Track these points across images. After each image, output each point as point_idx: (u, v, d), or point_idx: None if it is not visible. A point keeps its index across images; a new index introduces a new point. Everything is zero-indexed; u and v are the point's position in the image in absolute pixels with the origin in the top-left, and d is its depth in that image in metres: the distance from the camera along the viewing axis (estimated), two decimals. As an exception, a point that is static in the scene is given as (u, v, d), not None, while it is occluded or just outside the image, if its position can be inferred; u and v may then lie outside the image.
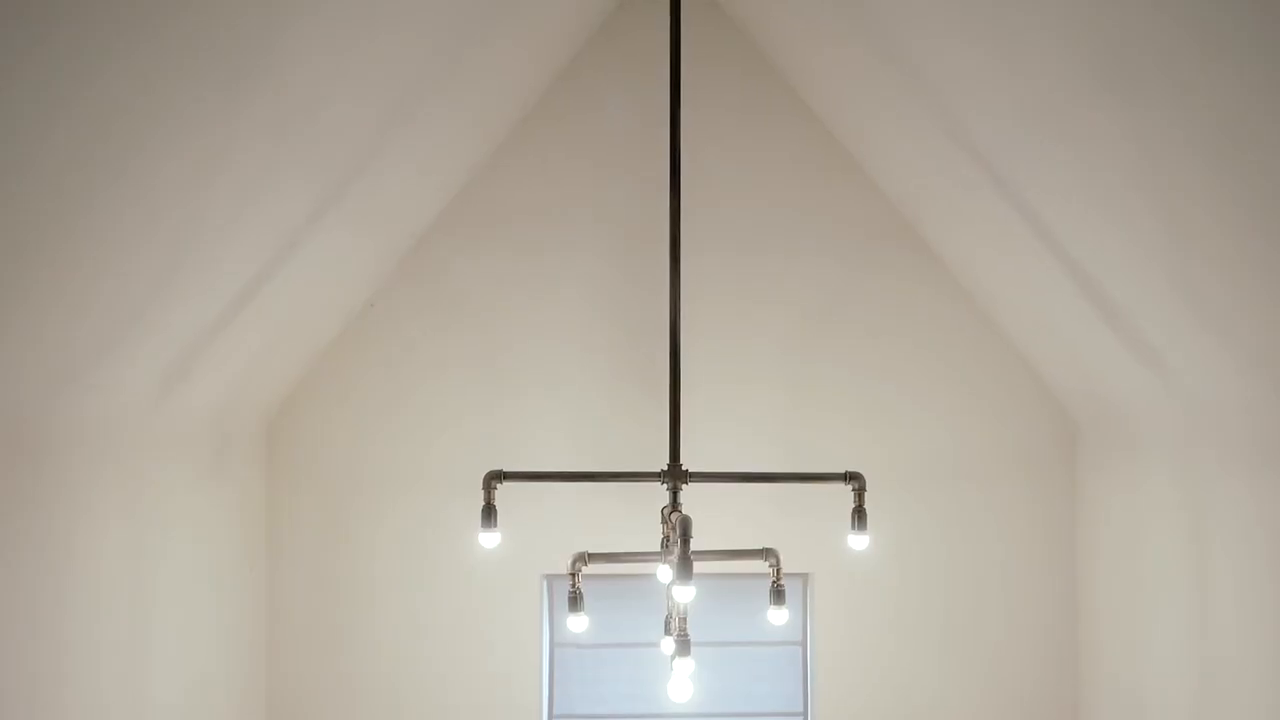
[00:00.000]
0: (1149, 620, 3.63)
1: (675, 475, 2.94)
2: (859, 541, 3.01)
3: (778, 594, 2.98)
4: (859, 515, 2.97)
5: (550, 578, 4.23)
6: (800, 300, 4.23)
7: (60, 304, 2.32)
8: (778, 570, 2.98)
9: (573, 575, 2.96)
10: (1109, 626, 3.92)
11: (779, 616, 3.01)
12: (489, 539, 2.99)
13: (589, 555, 2.96)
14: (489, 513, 2.96)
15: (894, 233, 4.21)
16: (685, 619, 2.81)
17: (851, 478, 2.97)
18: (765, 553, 2.98)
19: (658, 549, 3.08)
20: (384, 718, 4.12)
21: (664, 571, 3.02)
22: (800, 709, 4.26)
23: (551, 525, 4.10)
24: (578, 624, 3.01)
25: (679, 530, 2.56)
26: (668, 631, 3.09)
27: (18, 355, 2.32)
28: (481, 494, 2.99)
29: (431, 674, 4.15)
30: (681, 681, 2.91)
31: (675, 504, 2.92)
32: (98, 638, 2.86)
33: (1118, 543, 3.86)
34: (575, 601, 2.95)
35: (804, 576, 4.23)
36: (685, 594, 2.59)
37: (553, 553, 4.07)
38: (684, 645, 2.79)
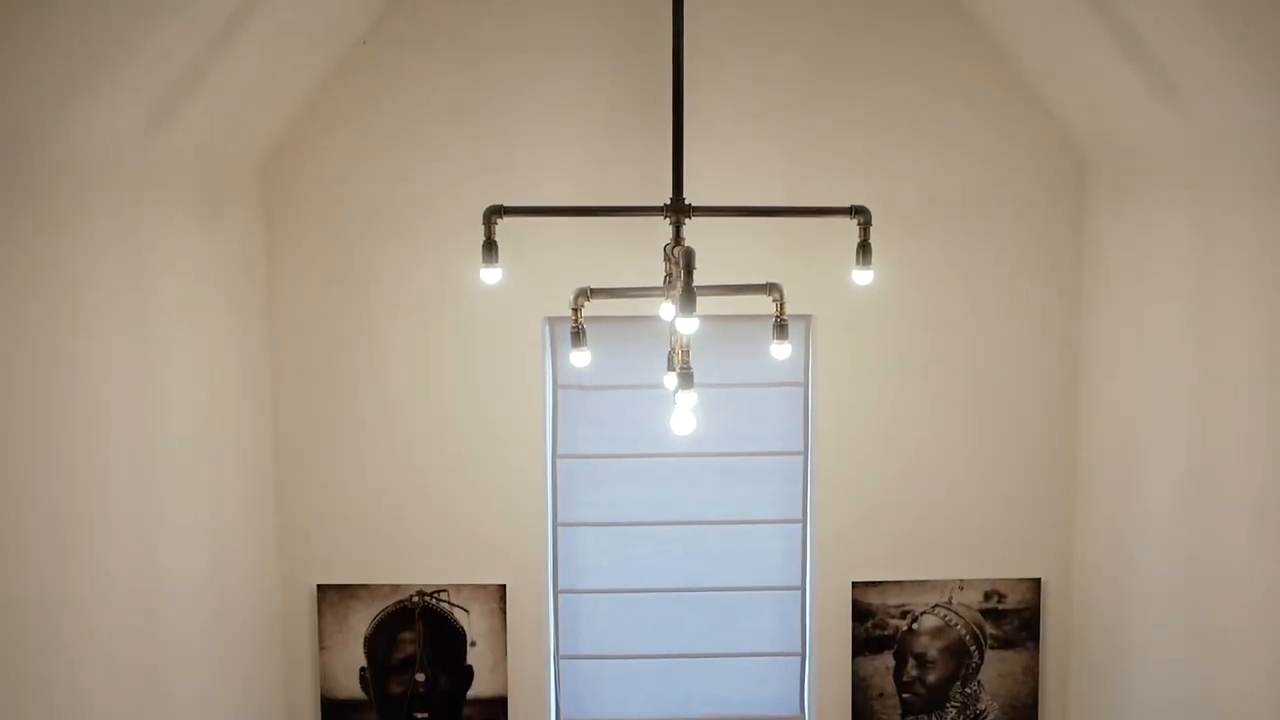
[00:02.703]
0: (1150, 357, 3.73)
1: (678, 209, 2.97)
2: (863, 277, 3.07)
3: (781, 329, 3.06)
4: (864, 250, 3.02)
5: (552, 320, 4.33)
6: (807, 36, 4.16)
7: (47, 27, 2.30)
8: (781, 305, 3.05)
9: (575, 311, 3.03)
10: (1110, 364, 4.04)
11: (782, 351, 3.10)
12: (490, 275, 3.06)
13: (591, 291, 3.03)
14: (490, 248, 3.01)
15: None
16: (688, 353, 2.89)
17: (857, 212, 3.00)
18: (769, 287, 3.04)
19: (661, 285, 3.14)
20: (388, 460, 4.30)
21: (667, 309, 3.09)
22: (801, 448, 4.44)
23: (553, 267, 4.17)
24: (580, 359, 3.11)
25: (682, 261, 2.62)
26: (671, 367, 3.18)
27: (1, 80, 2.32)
28: (482, 230, 3.04)
29: (434, 415, 4.30)
30: (684, 415, 3.03)
31: (678, 239, 2.97)
32: (100, 370, 2.96)
33: (1122, 280, 3.93)
34: (578, 336, 3.04)
35: (807, 318, 4.33)
36: (688, 326, 2.67)
37: (555, 294, 4.14)
38: (687, 379, 2.89)
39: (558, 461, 4.42)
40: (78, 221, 2.82)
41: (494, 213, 3.00)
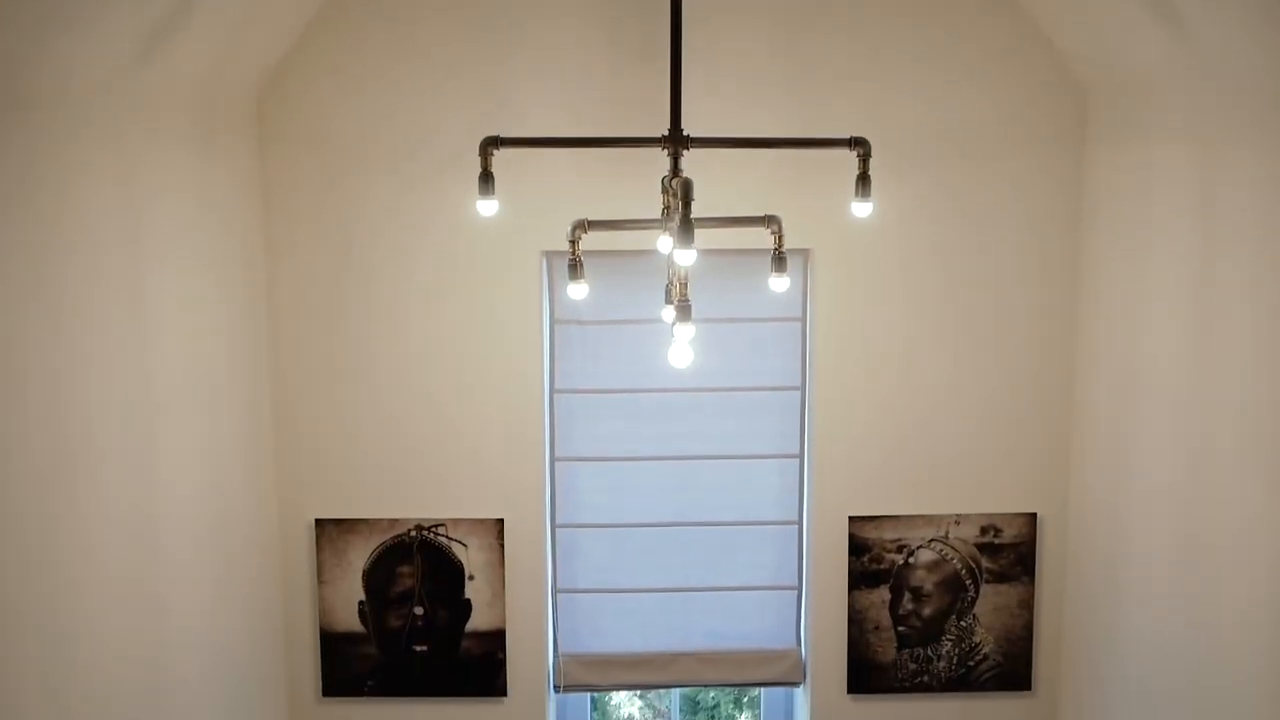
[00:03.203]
0: (1150, 291, 3.74)
1: (676, 140, 2.96)
2: (862, 209, 3.06)
3: (779, 261, 3.06)
4: (863, 182, 3.02)
5: (550, 254, 4.33)
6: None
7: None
8: (779, 237, 3.05)
9: (573, 244, 3.04)
10: (1109, 299, 4.05)
11: (780, 284, 3.11)
12: (487, 207, 3.06)
13: (589, 223, 3.04)
14: (486, 179, 3.00)
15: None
16: (686, 285, 2.90)
17: (856, 143, 2.99)
18: (767, 220, 3.04)
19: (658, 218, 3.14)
20: (385, 395, 4.32)
21: (664, 242, 3.09)
22: (798, 383, 4.46)
23: (550, 201, 4.16)
24: (578, 291, 3.12)
25: (680, 192, 2.62)
26: (669, 300, 3.20)
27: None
28: (479, 162, 3.03)
29: (431, 350, 4.30)
30: (682, 348, 3.05)
31: (676, 170, 2.97)
32: (96, 301, 2.97)
33: (1123, 213, 3.92)
34: (575, 269, 3.04)
35: (805, 252, 4.33)
36: (687, 257, 2.67)
37: (552, 229, 4.13)
38: (685, 311, 2.90)
39: (555, 397, 4.43)
40: (72, 150, 2.82)
41: (490, 144, 2.99)
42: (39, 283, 2.68)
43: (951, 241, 4.28)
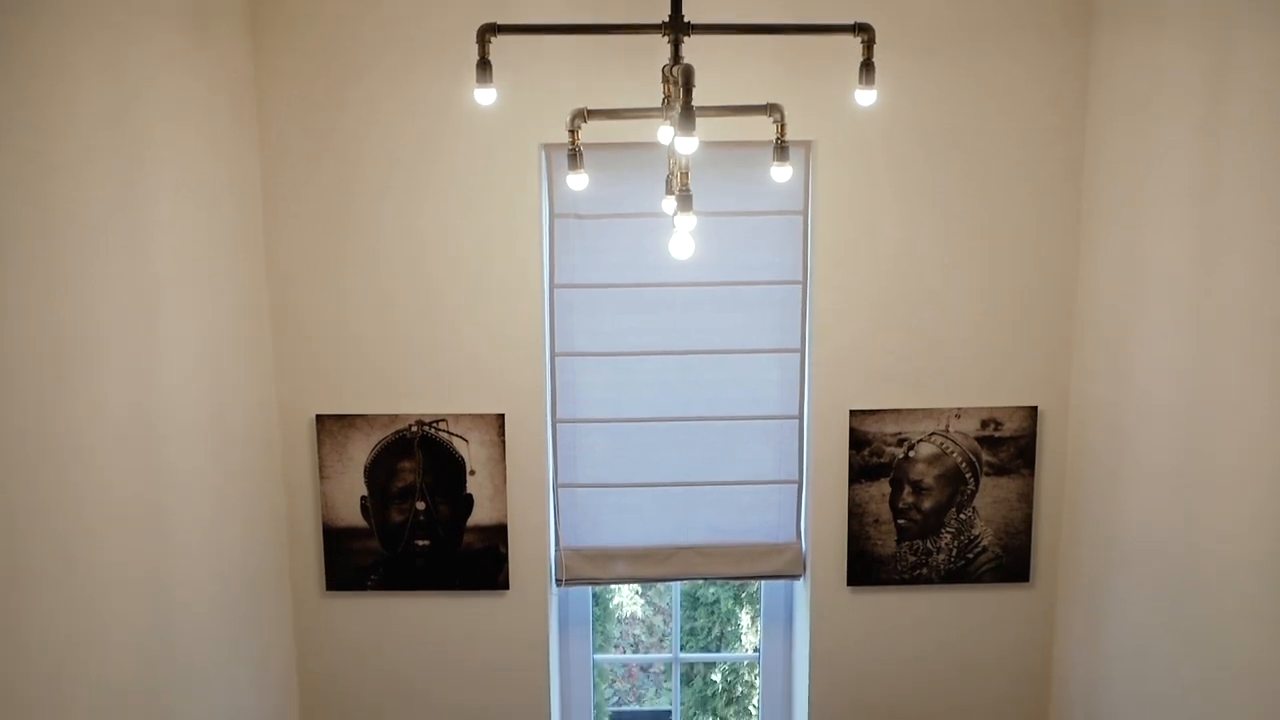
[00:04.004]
0: (1156, 185, 3.73)
1: (677, 26, 2.92)
2: (865, 97, 3.03)
3: (781, 150, 3.04)
4: (866, 69, 2.98)
5: (548, 147, 4.30)
6: None
7: None
8: (782, 126, 3.03)
9: (572, 133, 3.02)
10: (1114, 192, 4.03)
11: (782, 174, 3.09)
12: (484, 95, 3.03)
13: (588, 112, 3.02)
14: (484, 67, 2.97)
15: None
16: (687, 175, 2.89)
17: (860, 29, 2.95)
18: (769, 108, 3.02)
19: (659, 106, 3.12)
20: (383, 290, 4.32)
21: (665, 132, 3.07)
22: (800, 277, 4.46)
23: (548, 93, 4.13)
24: (578, 182, 3.11)
25: (681, 79, 2.59)
26: (669, 191, 3.19)
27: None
28: (476, 49, 3.00)
29: (428, 244, 4.30)
30: (683, 238, 3.05)
31: (677, 58, 2.93)
32: (88, 201, 2.97)
33: (1130, 105, 3.89)
34: (575, 159, 3.03)
35: (807, 144, 4.31)
36: (688, 146, 2.65)
37: (550, 121, 4.12)
38: (686, 201, 2.89)
39: (555, 292, 4.44)
40: (60, 38, 2.79)
41: (488, 30, 2.95)
42: (29, 178, 2.67)
43: (957, 132, 4.25)
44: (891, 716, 4.65)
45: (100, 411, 2.99)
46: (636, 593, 9.93)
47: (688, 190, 2.87)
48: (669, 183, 3.16)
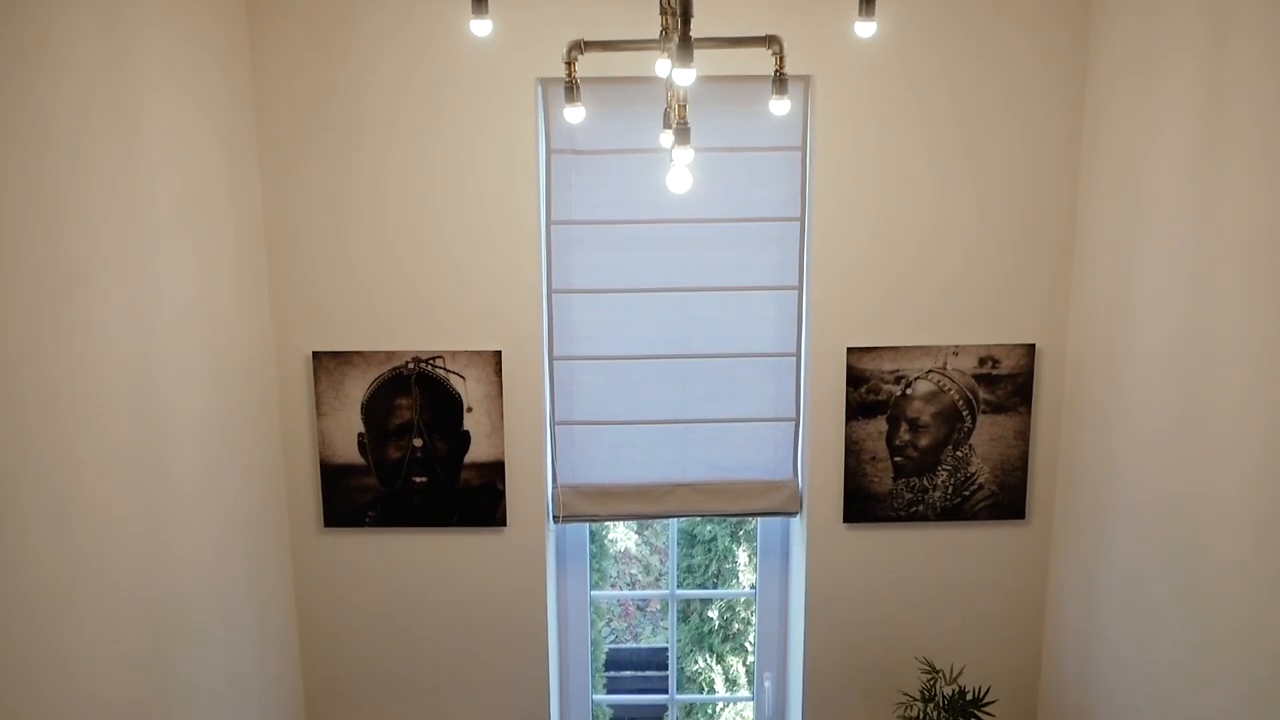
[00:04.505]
0: (1156, 123, 3.71)
1: (675, -43, 2.90)
2: (865, 29, 3.00)
3: (780, 83, 3.02)
4: (867, 1, 2.96)
5: (545, 81, 4.28)
6: None
7: None
8: (780, 58, 3.00)
9: (569, 65, 3.00)
10: (1114, 130, 4.02)
11: (781, 107, 3.07)
12: (480, 27, 3.00)
13: (585, 43, 2.99)
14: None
15: None
16: (685, 107, 2.88)
17: (861, -40, 2.93)
18: (768, 40, 2.99)
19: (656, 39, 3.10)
20: (379, 227, 4.31)
21: (662, 65, 3.05)
22: (798, 213, 4.45)
23: (544, 27, 4.10)
24: (574, 115, 3.09)
25: (679, 9, 2.57)
26: (667, 125, 3.17)
27: None
28: (471, -20, 2.98)
29: (425, 181, 4.28)
30: (681, 172, 3.04)
31: (675, -11, 2.91)
32: (83, 131, 2.95)
33: (1130, 42, 3.86)
34: (571, 92, 3.01)
35: (806, 79, 4.28)
36: (686, 77, 2.64)
37: (546, 55, 4.10)
38: (683, 134, 2.87)
39: (551, 228, 4.43)
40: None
41: (483, -39, 2.92)
42: (24, 106, 2.66)
43: (956, 68, 4.23)
44: (887, 652, 4.71)
45: (95, 349, 2.99)
46: (633, 530, 10.00)
47: (685, 123, 2.86)
48: (667, 116, 3.14)
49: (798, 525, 4.76)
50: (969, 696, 4.36)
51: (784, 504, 4.67)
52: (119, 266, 3.12)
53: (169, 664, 3.42)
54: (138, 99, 3.24)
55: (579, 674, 5.10)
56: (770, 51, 2.98)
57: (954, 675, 4.49)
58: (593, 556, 5.21)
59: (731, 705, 7.41)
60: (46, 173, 2.76)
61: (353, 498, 4.52)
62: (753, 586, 5.08)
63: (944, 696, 4.39)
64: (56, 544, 2.78)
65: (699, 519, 6.28)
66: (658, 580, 9.83)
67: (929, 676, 4.45)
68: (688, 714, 7.67)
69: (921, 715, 4.38)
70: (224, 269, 3.91)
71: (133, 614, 3.18)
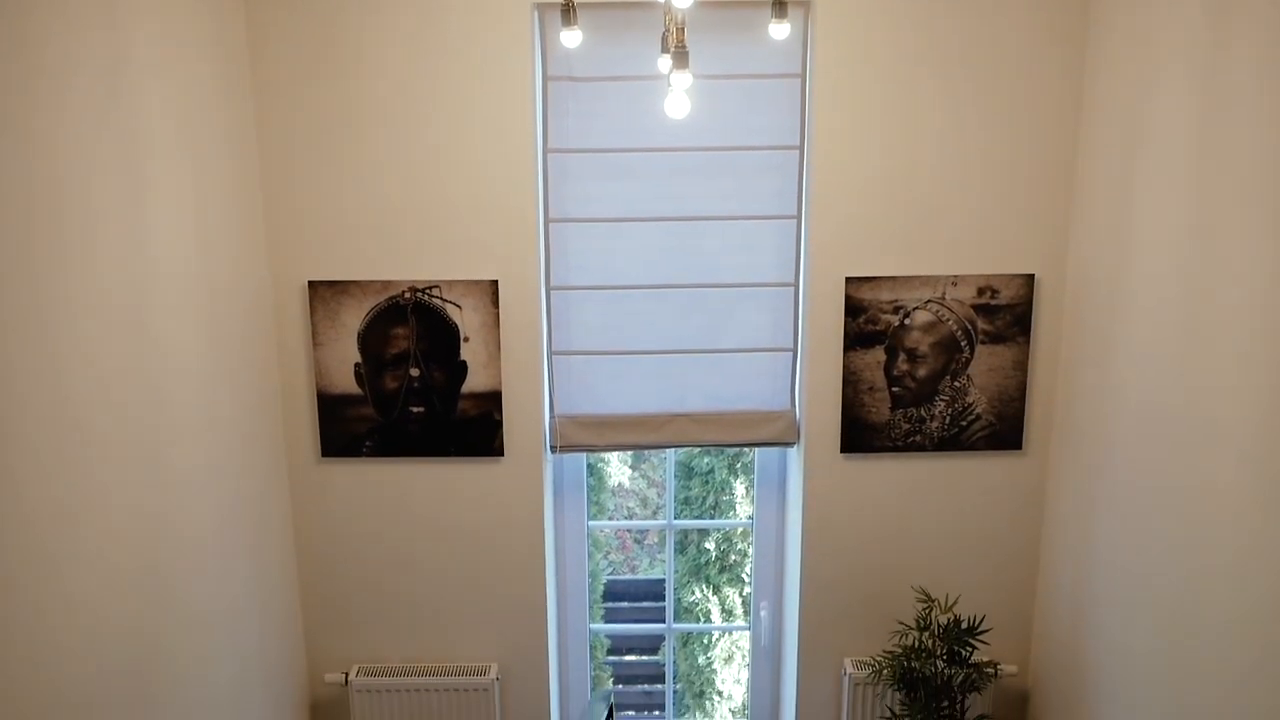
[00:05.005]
0: (1158, 52, 3.68)
1: (674, -125, 2.86)
2: (779, 31, 2.99)
3: (779, 7, 3.00)
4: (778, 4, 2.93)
5: (541, 6, 4.23)
6: None
7: None
8: (780, -19, 2.98)
9: (565, -13, 2.97)
10: (1115, 61, 3.98)
11: (780, 31, 3.05)
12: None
13: (582, -35, 2.96)
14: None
15: None
16: (683, 30, 2.85)
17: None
18: (768, -38, 2.97)
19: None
20: (375, 155, 4.28)
21: (661, -13, 3.02)
22: (797, 143, 4.43)
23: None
24: (571, 39, 3.06)
25: (678, -72, 2.54)
26: (665, 49, 3.15)
27: None
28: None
29: (420, 108, 4.25)
30: (679, 97, 3.02)
31: (673, -92, 2.87)
32: (72, 66, 2.93)
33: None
34: (568, 14, 2.98)
35: (806, 4, 4.24)
36: (684, 0, 2.62)
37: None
38: (681, 58, 2.85)
39: (548, 156, 4.41)
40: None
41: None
42: (9, 24, 2.64)
43: (959, -7, 4.19)
44: (883, 581, 4.75)
45: (91, 281, 2.98)
46: (629, 464, 10.05)
47: (684, 47, 2.84)
48: (664, 40, 3.12)
49: (795, 456, 4.78)
50: (964, 625, 4.41)
51: (781, 434, 4.69)
52: (111, 189, 3.10)
53: (168, 590, 3.45)
54: (126, 20, 3.20)
55: (577, 602, 5.15)
56: (770, -27, 2.95)
57: (949, 604, 4.53)
58: (591, 490, 5.24)
59: (727, 635, 7.49)
60: (36, 96, 2.73)
61: (350, 428, 4.53)
62: (750, 518, 5.11)
63: (939, 625, 4.44)
64: (55, 470, 2.79)
65: (696, 451, 6.30)
66: (655, 514, 9.89)
67: (924, 605, 4.49)
68: (684, 643, 7.76)
69: (917, 644, 4.43)
70: (218, 197, 3.89)
71: (132, 542, 3.20)
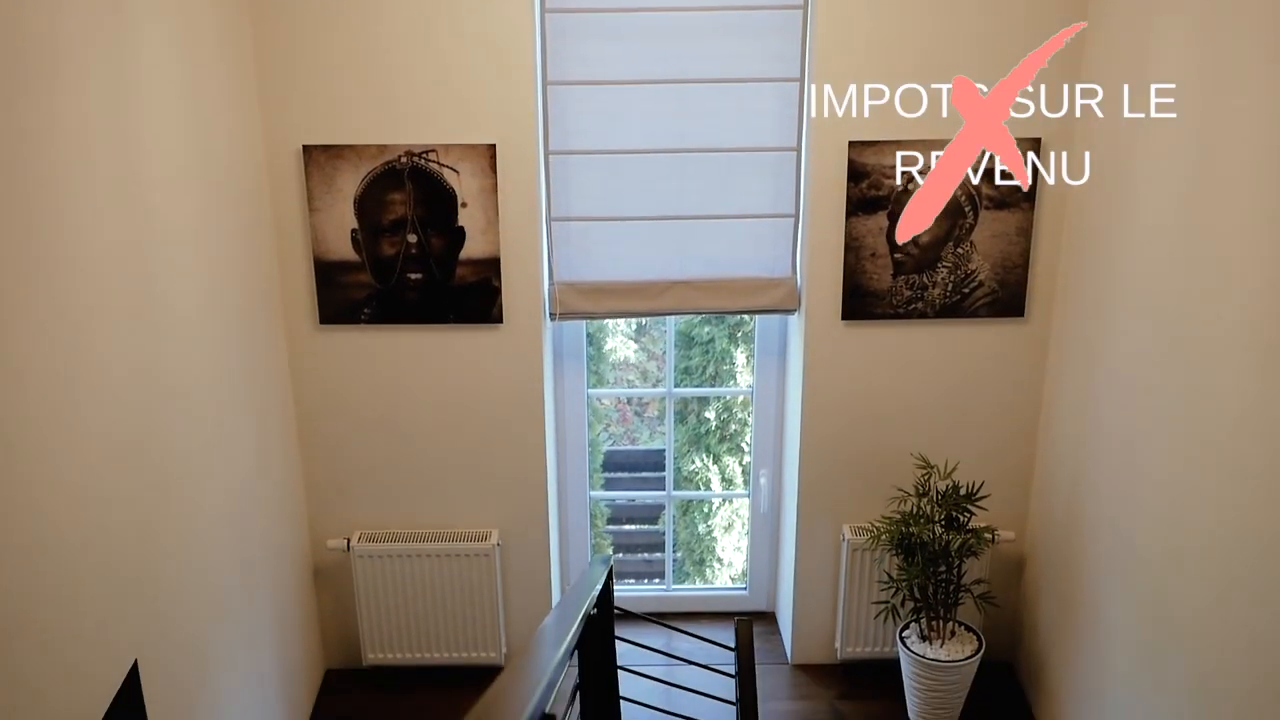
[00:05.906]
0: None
1: None
2: None
3: None
4: None
5: None
6: None
7: None
8: None
9: None
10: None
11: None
12: None
13: None
14: None
15: None
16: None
17: None
18: None
19: None
20: (369, 11, 4.22)
21: None
22: (798, 75, 4.34)
23: None
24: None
25: None
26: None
27: None
28: None
29: (417, 33, 4.19)
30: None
31: None
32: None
33: None
34: None
35: None
36: None
37: None
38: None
39: (546, 16, 4.33)
40: None
41: None
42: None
43: None
44: (882, 448, 4.80)
45: (78, 149, 2.93)
46: (629, 336, 10.07)
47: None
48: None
49: (795, 323, 4.79)
50: (963, 491, 4.47)
51: (782, 301, 4.69)
52: (98, 53, 3.05)
53: (170, 460, 3.47)
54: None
55: (577, 469, 5.21)
56: None
57: (948, 471, 4.58)
58: (590, 359, 5.26)
59: (727, 503, 7.59)
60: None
61: (348, 295, 4.53)
62: (750, 387, 5.15)
63: (938, 491, 4.50)
64: (52, 343, 2.79)
65: (696, 320, 6.31)
66: (656, 386, 9.96)
67: (924, 472, 4.55)
68: (684, 512, 7.86)
69: (915, 509, 4.49)
70: (209, 58, 3.82)
71: (132, 412, 3.21)
